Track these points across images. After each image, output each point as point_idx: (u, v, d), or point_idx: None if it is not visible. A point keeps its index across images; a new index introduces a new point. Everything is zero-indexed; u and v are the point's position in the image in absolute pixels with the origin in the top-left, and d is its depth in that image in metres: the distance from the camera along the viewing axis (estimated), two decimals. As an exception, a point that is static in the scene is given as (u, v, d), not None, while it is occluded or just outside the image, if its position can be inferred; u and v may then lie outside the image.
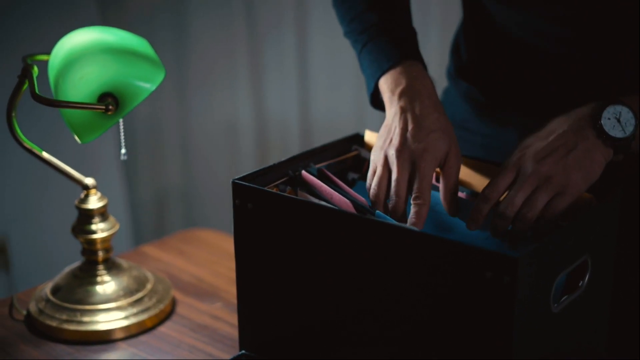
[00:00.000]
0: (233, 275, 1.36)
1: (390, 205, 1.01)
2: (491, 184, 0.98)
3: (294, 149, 2.38)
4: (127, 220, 2.36)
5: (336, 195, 1.03)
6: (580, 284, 0.96)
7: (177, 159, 2.44)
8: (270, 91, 2.37)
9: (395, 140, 1.02)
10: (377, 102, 1.15)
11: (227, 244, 1.47)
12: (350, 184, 1.14)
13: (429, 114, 1.03)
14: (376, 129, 2.37)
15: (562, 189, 0.95)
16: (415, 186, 1.00)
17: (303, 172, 1.08)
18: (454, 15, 1.38)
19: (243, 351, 1.09)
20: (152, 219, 2.47)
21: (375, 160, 1.04)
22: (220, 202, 2.45)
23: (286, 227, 1.00)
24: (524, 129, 1.19)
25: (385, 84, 1.10)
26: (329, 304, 1.00)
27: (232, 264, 1.40)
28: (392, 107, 1.07)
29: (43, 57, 1.23)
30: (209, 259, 1.42)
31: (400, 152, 1.01)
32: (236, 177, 1.03)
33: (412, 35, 1.15)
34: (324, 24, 2.28)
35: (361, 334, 0.98)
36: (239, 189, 1.03)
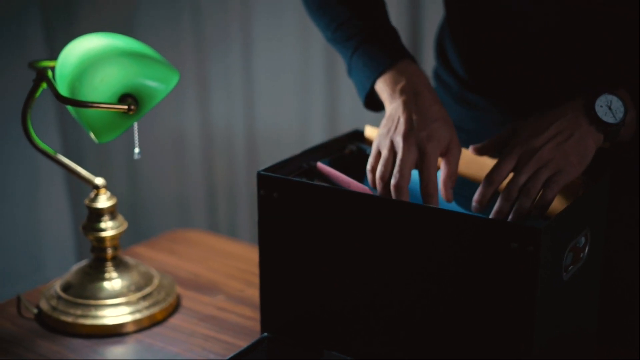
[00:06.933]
0: (229, 270, 1.44)
1: (392, 183, 1.08)
2: (495, 169, 1.08)
3: (240, 160, 2.44)
4: (73, 234, 2.37)
5: (354, 183, 1.12)
6: (581, 255, 1.07)
7: (123, 170, 2.46)
8: (215, 103, 2.43)
9: (401, 127, 1.11)
10: (370, 103, 1.24)
11: (215, 242, 1.54)
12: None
13: (430, 105, 1.13)
14: (320, 138, 2.43)
15: (561, 169, 1.06)
16: (423, 174, 1.09)
17: (319, 163, 1.16)
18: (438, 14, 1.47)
19: (265, 334, 1.15)
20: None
21: (381, 145, 1.12)
22: (167, 213, 2.49)
23: (311, 213, 1.08)
24: None
25: (383, 84, 1.19)
26: (353, 285, 1.08)
27: (226, 260, 1.47)
28: (393, 102, 1.16)
29: (48, 63, 1.27)
30: (202, 255, 1.48)
31: (407, 137, 1.10)
32: (261, 169, 1.11)
33: (397, 36, 1.25)
34: (269, 37, 2.36)
35: (386, 313, 1.06)
36: (264, 179, 1.10)
